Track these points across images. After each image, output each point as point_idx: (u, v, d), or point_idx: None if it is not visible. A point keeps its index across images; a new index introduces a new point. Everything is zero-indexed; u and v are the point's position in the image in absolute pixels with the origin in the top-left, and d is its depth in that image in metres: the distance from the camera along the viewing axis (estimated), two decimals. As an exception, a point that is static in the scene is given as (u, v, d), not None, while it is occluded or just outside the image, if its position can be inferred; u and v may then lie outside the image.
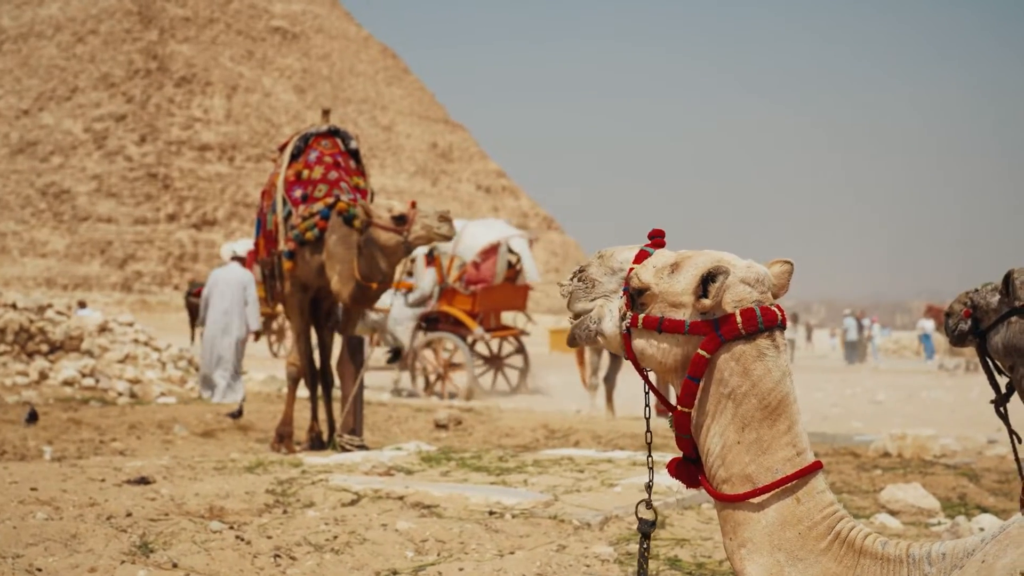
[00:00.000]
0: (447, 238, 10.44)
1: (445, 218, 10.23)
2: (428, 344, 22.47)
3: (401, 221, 10.22)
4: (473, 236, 22.38)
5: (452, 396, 22.00)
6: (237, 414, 13.72)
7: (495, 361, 24.89)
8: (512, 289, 24.18)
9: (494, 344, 25.00)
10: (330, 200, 10.80)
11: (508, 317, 26.84)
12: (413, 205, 10.36)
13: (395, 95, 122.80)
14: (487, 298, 23.27)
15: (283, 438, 11.26)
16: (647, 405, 3.43)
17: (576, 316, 3.37)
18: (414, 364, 22.60)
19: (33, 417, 12.23)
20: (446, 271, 22.50)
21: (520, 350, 24.96)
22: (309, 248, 10.84)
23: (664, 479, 7.56)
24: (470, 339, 23.09)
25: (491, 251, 22.92)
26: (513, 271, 23.90)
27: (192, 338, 37.04)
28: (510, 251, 23.47)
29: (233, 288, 17.38)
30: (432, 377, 22.74)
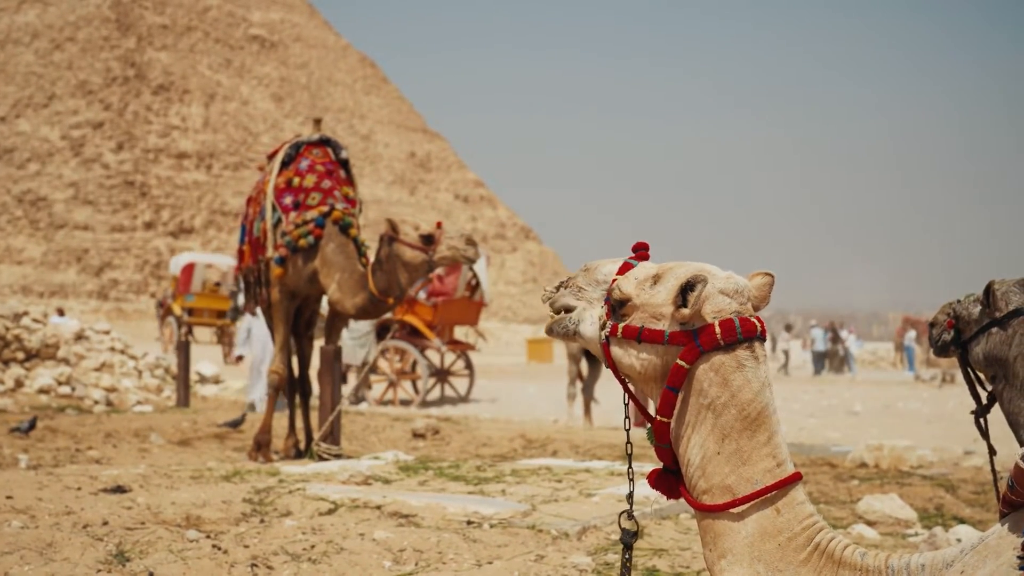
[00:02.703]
0: (472, 260, 10.51)
1: (471, 241, 10.31)
2: (383, 352, 22.56)
3: (428, 241, 10.28)
4: None
5: (405, 404, 22.13)
6: (239, 422, 13.73)
7: (442, 374, 25.03)
8: (469, 304, 24.47)
9: (441, 357, 25.18)
10: (324, 208, 10.83)
11: (459, 331, 27.09)
12: (439, 226, 10.43)
13: (373, 104, 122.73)
14: (446, 311, 23.54)
15: (261, 446, 11.22)
16: (627, 416, 3.43)
17: (557, 312, 3.37)
18: (367, 373, 22.69)
19: (32, 426, 12.17)
20: None
21: (467, 364, 25.18)
22: (301, 255, 10.85)
23: (642, 489, 7.57)
24: (427, 350, 23.32)
25: (455, 266, 23.13)
26: (470, 287, 24.19)
27: (164, 347, 36.89)
28: (470, 268, 23.69)
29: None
30: (384, 384, 22.89)
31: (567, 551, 6.18)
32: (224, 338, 36.06)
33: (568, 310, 3.35)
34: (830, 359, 47.45)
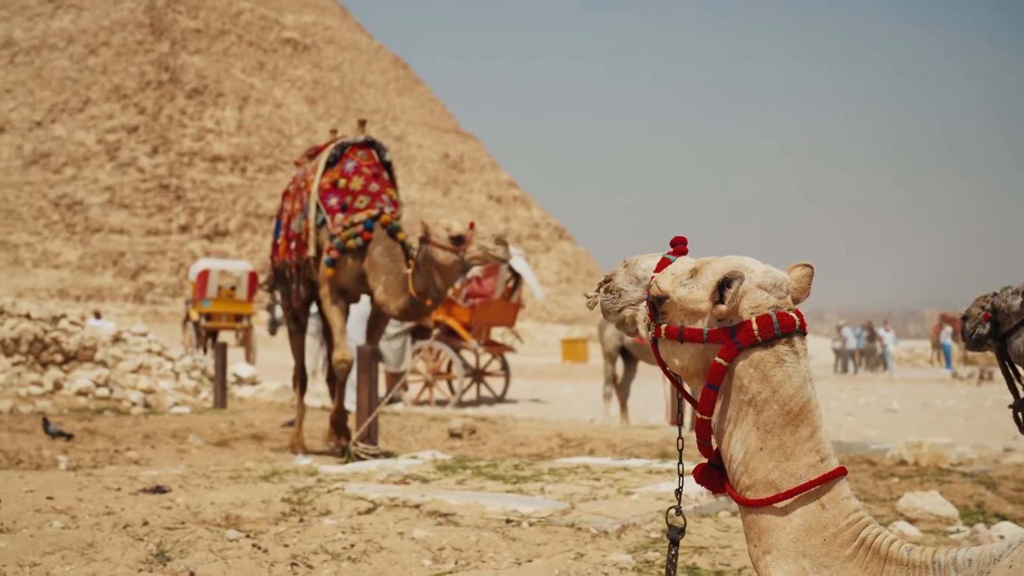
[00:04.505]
0: (503, 260, 10.58)
1: (501, 241, 10.38)
2: (418, 352, 22.60)
3: (459, 242, 10.37)
4: None
5: (441, 404, 22.17)
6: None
7: (477, 374, 25.05)
8: (506, 305, 24.48)
9: (477, 358, 25.19)
10: (373, 212, 11.00)
11: (496, 333, 27.15)
12: (472, 226, 10.50)
13: (406, 105, 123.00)
14: (483, 312, 23.58)
15: (338, 428, 11.66)
16: (680, 412, 3.42)
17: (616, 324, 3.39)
18: (403, 381, 22.74)
19: (46, 427, 12.24)
20: None
21: (503, 365, 25.19)
22: (350, 256, 11.00)
23: (683, 487, 7.55)
24: (463, 351, 23.37)
25: (494, 268, 23.22)
26: (507, 288, 24.22)
27: (186, 350, 37.20)
28: (509, 269, 23.73)
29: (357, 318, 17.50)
30: (420, 385, 22.94)
31: (607, 549, 6.17)
32: (245, 341, 36.45)
33: (619, 322, 3.35)
34: (867, 357, 47.21)
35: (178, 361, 19.48)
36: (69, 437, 12.14)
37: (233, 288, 36.35)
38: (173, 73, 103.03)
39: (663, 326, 3.08)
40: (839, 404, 24.38)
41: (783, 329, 2.94)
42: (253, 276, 36.67)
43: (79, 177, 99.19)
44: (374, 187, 11.20)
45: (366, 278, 11.02)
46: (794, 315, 2.98)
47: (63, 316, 17.46)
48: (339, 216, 11.03)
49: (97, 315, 33.39)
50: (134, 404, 16.02)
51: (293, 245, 11.55)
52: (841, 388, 31.37)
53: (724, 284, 2.94)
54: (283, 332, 18.60)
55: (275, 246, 12.02)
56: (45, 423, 12.31)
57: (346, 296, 11.44)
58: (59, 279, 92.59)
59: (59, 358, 16.66)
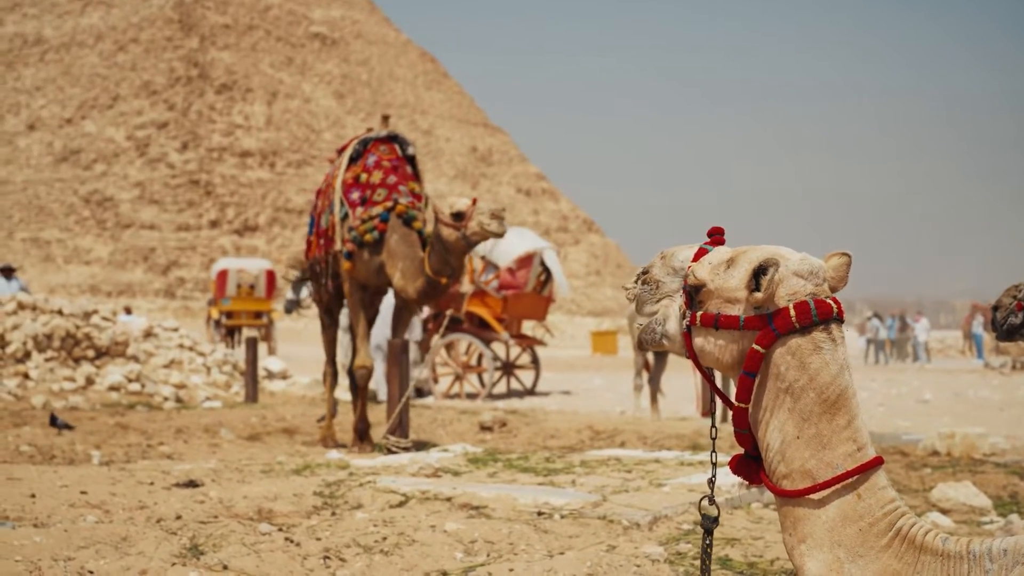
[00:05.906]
0: (498, 235, 10.56)
1: (496, 215, 10.39)
2: (447, 345, 22.59)
3: (459, 218, 10.43)
4: (510, 243, 22.48)
5: (471, 397, 22.15)
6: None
7: (508, 367, 25.02)
8: (537, 299, 24.43)
9: (507, 350, 25.15)
10: (389, 204, 11.08)
11: (526, 326, 27.13)
12: (474, 202, 10.55)
13: (435, 99, 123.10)
14: (515, 304, 23.53)
15: (362, 436, 11.69)
16: (713, 402, 3.41)
17: (646, 318, 3.36)
18: (433, 365, 22.70)
19: (53, 421, 12.31)
20: (478, 274, 22.68)
21: (533, 358, 25.16)
22: (368, 249, 11.09)
23: (716, 477, 7.52)
24: (494, 343, 23.34)
25: (527, 260, 23.22)
26: (539, 282, 24.19)
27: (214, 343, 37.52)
28: (541, 263, 23.72)
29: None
30: (451, 378, 22.93)
31: (639, 541, 6.16)
32: (266, 336, 36.78)
33: (652, 314, 3.32)
34: (899, 347, 47.02)
35: (209, 356, 19.54)
36: (71, 428, 12.23)
37: (252, 286, 36.73)
38: (202, 69, 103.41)
39: (699, 313, 3.07)
40: (871, 395, 24.24)
41: (820, 316, 2.93)
42: (271, 274, 37.03)
43: (109, 173, 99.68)
44: (392, 180, 11.30)
45: (384, 268, 11.09)
46: (831, 302, 2.97)
47: (95, 312, 17.54)
48: (359, 210, 11.16)
49: (127, 311, 33.60)
50: (166, 399, 16.08)
51: (322, 241, 11.67)
52: (873, 379, 31.24)
53: (760, 271, 2.93)
54: (298, 318, 18.64)
55: (308, 243, 12.21)
56: (52, 418, 12.39)
57: (368, 291, 11.52)
58: (90, 275, 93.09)
59: (91, 354, 16.73)
